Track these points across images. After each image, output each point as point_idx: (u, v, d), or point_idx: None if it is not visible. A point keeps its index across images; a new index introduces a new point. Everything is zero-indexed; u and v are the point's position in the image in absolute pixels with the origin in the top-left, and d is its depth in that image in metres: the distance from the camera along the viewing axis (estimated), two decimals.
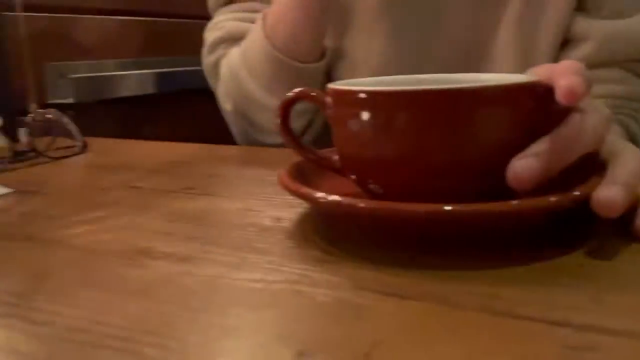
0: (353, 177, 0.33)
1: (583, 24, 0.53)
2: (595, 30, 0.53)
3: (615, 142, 0.32)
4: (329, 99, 0.33)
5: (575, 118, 0.28)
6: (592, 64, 0.54)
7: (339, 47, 0.59)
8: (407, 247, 0.29)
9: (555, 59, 0.55)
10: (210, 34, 0.64)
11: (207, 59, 0.65)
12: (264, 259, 0.28)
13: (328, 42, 0.58)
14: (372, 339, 0.20)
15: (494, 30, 0.55)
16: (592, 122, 0.29)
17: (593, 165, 0.31)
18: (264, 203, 0.38)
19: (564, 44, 0.55)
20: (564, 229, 0.30)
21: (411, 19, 0.57)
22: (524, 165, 0.27)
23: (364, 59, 0.58)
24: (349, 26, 0.58)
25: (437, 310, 0.23)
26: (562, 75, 0.27)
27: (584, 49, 0.53)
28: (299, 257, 0.28)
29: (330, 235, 0.31)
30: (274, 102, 0.54)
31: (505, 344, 0.20)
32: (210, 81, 0.65)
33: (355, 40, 0.58)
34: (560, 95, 0.27)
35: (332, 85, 0.33)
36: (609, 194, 0.26)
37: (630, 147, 0.31)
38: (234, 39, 0.61)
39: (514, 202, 0.27)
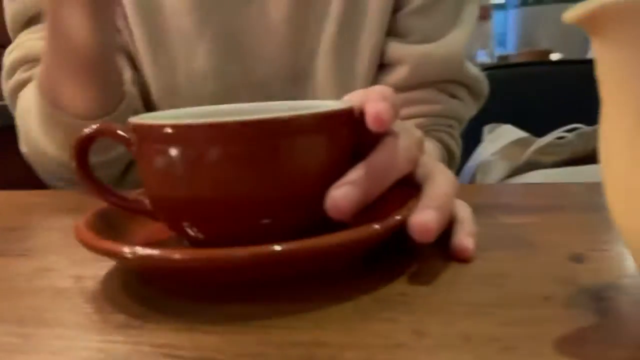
0: (166, 221, 0.30)
1: (396, 49, 0.56)
2: (408, 54, 0.56)
3: (428, 164, 0.32)
4: (131, 135, 0.29)
5: (387, 143, 0.28)
6: (408, 87, 0.56)
7: (153, 71, 0.55)
8: (226, 298, 0.26)
9: (373, 82, 0.56)
10: (9, 56, 0.56)
11: (5, 85, 0.56)
12: (53, 334, 0.23)
13: (148, 71, 0.55)
14: None
15: (313, 54, 0.56)
16: (404, 145, 0.29)
17: (409, 188, 0.31)
18: (66, 260, 0.32)
19: (381, 67, 0.57)
20: (383, 256, 0.29)
21: (229, 43, 0.55)
22: (341, 194, 0.26)
23: (183, 83, 0.55)
24: (162, 48, 0.55)
25: None
26: (370, 102, 0.27)
27: (399, 73, 0.56)
28: (98, 325, 0.24)
29: (141, 293, 0.27)
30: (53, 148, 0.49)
31: None
32: (12, 111, 0.57)
33: (171, 63, 0.55)
34: (369, 122, 0.26)
35: (133, 120, 0.29)
36: (423, 218, 0.26)
37: (442, 169, 0.32)
38: (36, 60, 0.53)
39: (340, 233, 0.26)
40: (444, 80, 0.58)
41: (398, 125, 0.30)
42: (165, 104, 0.55)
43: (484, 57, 2.68)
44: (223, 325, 0.23)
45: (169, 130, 0.27)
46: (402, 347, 0.21)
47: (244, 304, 0.25)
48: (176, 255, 0.25)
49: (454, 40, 0.57)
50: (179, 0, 0.54)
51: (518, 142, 0.78)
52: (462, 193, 0.34)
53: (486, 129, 0.85)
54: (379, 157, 0.27)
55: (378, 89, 0.29)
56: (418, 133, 0.33)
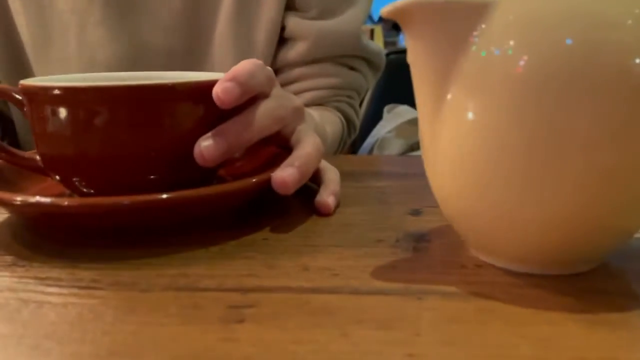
0: (57, 177, 0.33)
1: (296, 24, 0.58)
2: (307, 30, 0.59)
3: (302, 131, 0.37)
4: (23, 97, 0.32)
5: (255, 104, 0.33)
6: (307, 61, 0.60)
7: (40, 48, 0.56)
8: (106, 243, 0.30)
9: (274, 55, 0.60)
10: None
11: None
12: None
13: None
14: (44, 333, 0.21)
15: (211, 26, 0.57)
16: (269, 107, 0.33)
17: (283, 151, 0.36)
18: None
19: (282, 42, 0.60)
20: (256, 210, 0.34)
21: (122, 11, 0.55)
22: (207, 144, 0.30)
23: (74, 56, 0.56)
24: (50, 25, 0.55)
25: (127, 295, 0.24)
26: (219, 82, 0.31)
27: (299, 48, 0.59)
28: None
29: (29, 239, 0.30)
30: None
31: (180, 314, 0.22)
32: None
33: (60, 40, 0.56)
34: (214, 96, 0.30)
35: (24, 82, 0.32)
36: (283, 174, 0.31)
37: (311, 135, 0.37)
38: None
39: (215, 186, 0.30)
40: (342, 55, 0.61)
41: (275, 92, 0.35)
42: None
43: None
44: (101, 263, 0.27)
45: (57, 92, 0.30)
46: (251, 276, 0.26)
47: (122, 248, 0.29)
48: (65, 202, 0.28)
49: (350, 18, 0.60)
50: None
51: (413, 122, 0.85)
52: (343, 162, 0.39)
53: (386, 108, 0.92)
54: (243, 115, 0.32)
55: (241, 65, 0.32)
56: (296, 102, 0.37)
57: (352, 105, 0.66)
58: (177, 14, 0.56)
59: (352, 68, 0.63)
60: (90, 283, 0.25)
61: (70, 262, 0.27)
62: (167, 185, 0.30)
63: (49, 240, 0.30)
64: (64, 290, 0.24)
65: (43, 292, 0.24)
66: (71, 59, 0.55)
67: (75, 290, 0.24)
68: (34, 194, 0.34)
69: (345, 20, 0.60)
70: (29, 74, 0.57)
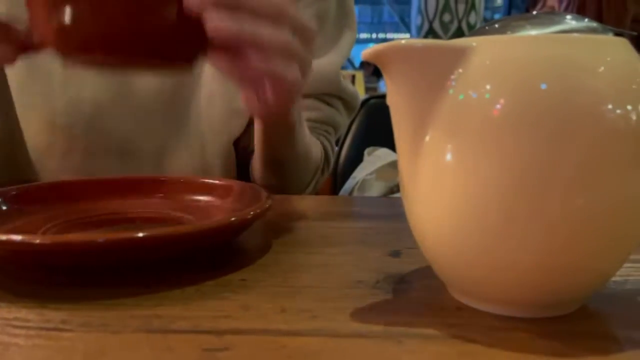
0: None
1: None
2: None
3: None
4: None
5: None
6: None
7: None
8: (77, 282, 0.29)
9: None
10: None
11: None
12: None
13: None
14: None
15: (200, 65, 0.58)
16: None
17: (265, 194, 0.36)
18: None
19: None
20: (234, 249, 0.34)
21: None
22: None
23: (59, 91, 0.55)
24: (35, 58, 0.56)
25: (97, 337, 0.23)
26: None
27: None
28: None
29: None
30: None
31: (153, 356, 0.21)
32: None
33: (44, 74, 0.55)
34: None
35: None
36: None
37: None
38: None
39: (194, 225, 0.30)
40: (322, 93, 0.64)
41: None
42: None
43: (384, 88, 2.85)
44: (71, 304, 0.26)
45: None
46: (227, 318, 0.25)
47: (93, 287, 0.28)
48: (37, 240, 0.28)
49: (332, 60, 0.64)
50: None
51: (393, 164, 0.85)
52: (324, 203, 0.39)
53: (366, 151, 0.93)
54: None
55: None
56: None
57: (329, 141, 0.68)
58: None
59: (330, 105, 0.66)
60: (59, 324, 0.24)
61: (39, 302, 0.26)
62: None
63: (18, 279, 0.29)
64: (32, 332, 0.23)
65: (9, 334, 0.23)
66: (55, 94, 0.55)
67: (43, 332, 0.23)
68: (5, 232, 0.33)
69: (328, 62, 0.64)
70: (11, 108, 0.57)
